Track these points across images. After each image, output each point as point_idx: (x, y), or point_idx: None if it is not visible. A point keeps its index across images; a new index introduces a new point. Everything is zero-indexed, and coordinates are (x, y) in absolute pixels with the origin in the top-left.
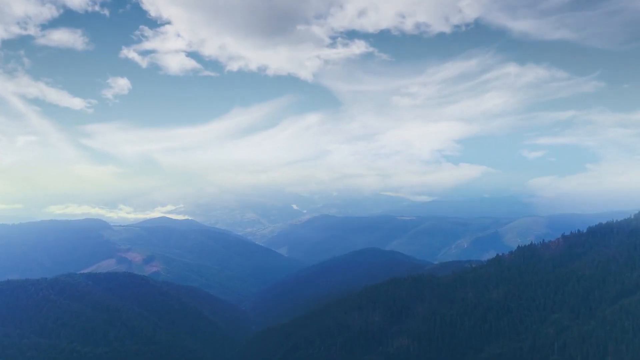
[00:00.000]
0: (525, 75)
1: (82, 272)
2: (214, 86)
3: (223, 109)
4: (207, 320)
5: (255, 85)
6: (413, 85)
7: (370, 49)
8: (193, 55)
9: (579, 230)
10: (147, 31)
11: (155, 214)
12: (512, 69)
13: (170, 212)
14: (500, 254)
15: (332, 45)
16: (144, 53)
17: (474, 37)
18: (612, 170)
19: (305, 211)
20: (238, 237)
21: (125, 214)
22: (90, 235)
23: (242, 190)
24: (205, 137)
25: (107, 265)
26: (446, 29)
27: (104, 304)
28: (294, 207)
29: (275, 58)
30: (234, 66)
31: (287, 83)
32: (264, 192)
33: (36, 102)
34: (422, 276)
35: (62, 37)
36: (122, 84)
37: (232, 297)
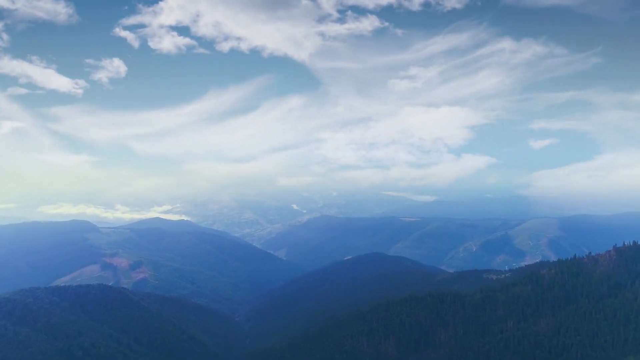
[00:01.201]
0: (521, 51)
1: (62, 279)
2: (188, 66)
3: (199, 91)
4: (194, 340)
5: (231, 64)
6: (401, 61)
7: (361, 24)
8: (181, 31)
9: (635, 242)
10: (137, 5)
11: (152, 214)
12: (506, 44)
13: (166, 211)
14: (532, 264)
15: (325, 21)
16: (132, 28)
17: (462, 7)
18: (617, 162)
19: (305, 211)
20: (234, 239)
21: (120, 214)
22: (74, 239)
23: (230, 184)
24: (178, 121)
25: (90, 272)
26: (458, 5)
27: (64, 327)
28: (294, 207)
29: (261, 35)
30: (223, 45)
31: (267, 62)
32: (260, 189)
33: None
34: (444, 295)
35: (44, 7)
36: (109, 64)
37: (225, 306)
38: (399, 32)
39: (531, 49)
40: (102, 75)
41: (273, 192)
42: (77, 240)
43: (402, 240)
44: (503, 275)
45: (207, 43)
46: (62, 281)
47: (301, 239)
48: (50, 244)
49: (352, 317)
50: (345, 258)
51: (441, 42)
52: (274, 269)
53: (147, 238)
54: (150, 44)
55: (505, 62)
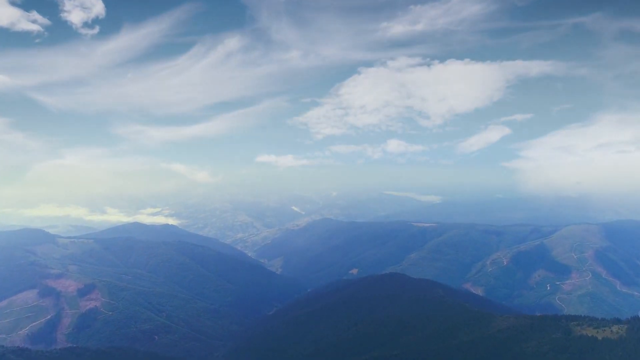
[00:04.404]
0: None
1: None
2: None
3: (110, 26)
4: None
5: None
6: None
7: None
8: None
9: None
10: None
11: (141, 216)
12: None
13: (154, 214)
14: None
15: None
16: None
17: None
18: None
19: (303, 212)
20: (221, 249)
21: (108, 217)
22: (15, 254)
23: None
24: (84, 66)
25: (24, 301)
26: None
27: None
28: (294, 208)
29: None
30: None
31: None
32: (253, 187)
33: None
34: None
35: None
36: None
37: (200, 343)
38: None
39: None
40: None
41: (270, 191)
42: (18, 255)
43: (417, 250)
44: (608, 330)
45: None
46: None
47: (299, 246)
48: None
49: None
50: (351, 271)
51: None
52: (267, 287)
53: (114, 250)
54: None
55: None
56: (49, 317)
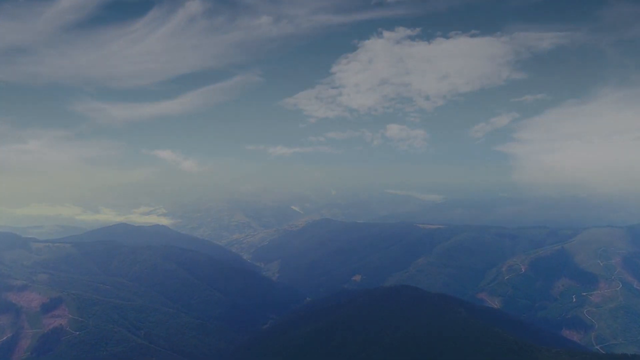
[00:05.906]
0: None
1: None
2: None
3: None
4: None
5: None
6: None
7: None
8: None
9: None
10: None
11: (134, 216)
12: None
13: (148, 213)
14: None
15: None
16: None
17: None
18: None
19: (302, 212)
20: (214, 253)
21: (100, 216)
22: None
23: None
24: (27, 31)
25: None
26: None
27: None
28: (293, 207)
29: None
30: None
31: None
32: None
33: None
34: None
35: None
36: None
37: None
38: None
39: None
40: None
41: (268, 190)
42: None
43: (425, 255)
44: None
45: None
46: None
47: (298, 249)
48: None
49: None
50: (353, 278)
51: None
52: (262, 296)
53: (94, 255)
54: None
55: None
56: (4, 338)
